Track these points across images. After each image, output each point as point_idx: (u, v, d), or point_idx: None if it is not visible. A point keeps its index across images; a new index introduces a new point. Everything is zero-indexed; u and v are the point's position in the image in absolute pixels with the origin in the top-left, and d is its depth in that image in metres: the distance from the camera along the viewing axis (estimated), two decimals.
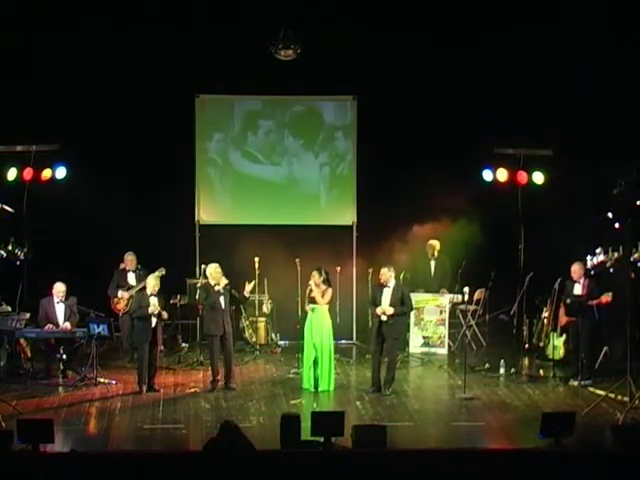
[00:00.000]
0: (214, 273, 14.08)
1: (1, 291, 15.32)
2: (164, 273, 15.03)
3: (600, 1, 15.44)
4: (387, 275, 13.95)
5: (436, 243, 16.73)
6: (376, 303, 13.97)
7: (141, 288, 14.69)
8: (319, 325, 14.03)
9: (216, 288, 14.01)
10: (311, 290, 14.03)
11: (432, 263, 16.76)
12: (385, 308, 13.82)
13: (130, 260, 15.69)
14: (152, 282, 14.07)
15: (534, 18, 15.88)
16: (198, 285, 15.38)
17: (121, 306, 15.52)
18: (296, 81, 16.70)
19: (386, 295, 13.91)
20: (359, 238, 17.41)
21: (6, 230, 14.67)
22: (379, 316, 13.85)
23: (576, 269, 14.60)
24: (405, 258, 16.30)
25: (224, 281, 14.09)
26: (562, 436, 10.91)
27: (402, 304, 13.91)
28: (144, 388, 13.80)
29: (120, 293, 15.53)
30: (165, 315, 14.01)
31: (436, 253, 16.73)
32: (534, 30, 15.90)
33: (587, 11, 15.38)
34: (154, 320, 13.87)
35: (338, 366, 15.28)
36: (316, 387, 13.96)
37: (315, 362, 13.99)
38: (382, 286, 14.00)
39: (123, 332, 15.58)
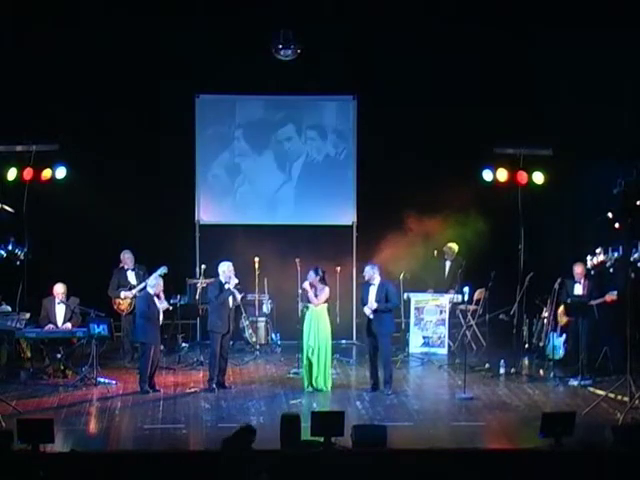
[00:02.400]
0: (227, 271, 14.09)
1: (1, 291, 15.31)
2: (166, 272, 15.04)
3: (600, 1, 15.44)
4: (370, 273, 14.03)
5: (455, 246, 16.68)
6: (364, 301, 14.04)
7: (143, 288, 14.69)
8: (315, 324, 14.02)
9: (226, 286, 14.03)
10: (305, 290, 14.05)
11: (447, 264, 16.75)
12: (371, 304, 13.85)
13: (128, 258, 15.67)
14: (153, 282, 14.09)
15: (533, 18, 15.89)
16: (200, 283, 15.38)
17: (124, 306, 15.49)
18: (296, 81, 16.69)
19: (372, 293, 13.98)
20: (359, 238, 17.41)
21: (6, 230, 14.65)
22: (367, 314, 13.93)
23: (578, 269, 14.60)
24: (405, 258, 16.28)
25: (234, 280, 14.11)
26: (562, 436, 10.91)
27: (387, 301, 13.93)
28: (147, 387, 13.80)
29: (123, 294, 15.50)
30: (167, 306, 14.11)
31: (454, 256, 16.70)
32: (534, 29, 15.91)
33: (587, 11, 15.40)
34: (161, 319, 13.92)
35: (338, 366, 15.29)
36: (313, 386, 13.97)
37: (311, 361, 13.99)
38: (367, 284, 14.07)
39: (124, 332, 15.57)
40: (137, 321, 14.08)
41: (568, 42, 15.59)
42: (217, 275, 14.24)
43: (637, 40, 15.02)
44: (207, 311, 14.56)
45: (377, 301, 13.89)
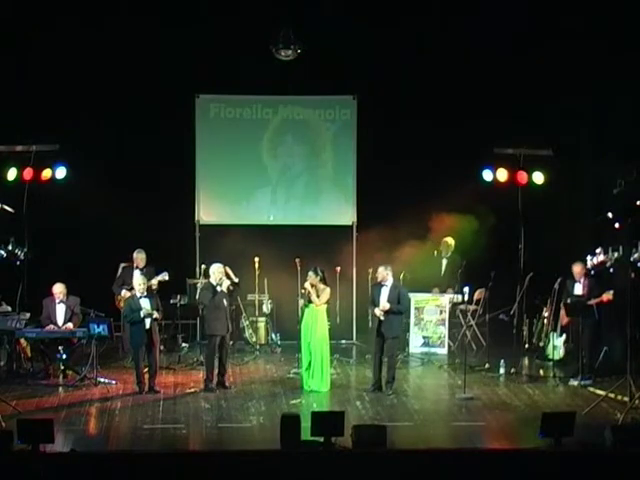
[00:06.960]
0: (217, 273, 14.09)
1: (1, 291, 15.31)
2: (167, 278, 15.01)
3: (600, 1, 15.45)
4: (383, 274, 14.00)
5: (451, 241, 16.70)
6: (375, 302, 13.99)
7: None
8: (312, 324, 14.01)
9: (218, 288, 14.00)
10: (307, 291, 14.02)
11: (444, 262, 16.77)
12: (382, 305, 13.82)
13: (140, 259, 15.48)
14: (137, 281, 14.05)
15: (533, 18, 15.89)
16: (200, 283, 15.38)
17: (123, 305, 15.49)
18: (296, 81, 16.69)
19: (384, 294, 13.95)
20: (359, 238, 17.41)
21: (6, 230, 14.66)
22: (378, 316, 13.88)
23: (577, 269, 14.61)
24: (405, 258, 16.28)
25: (226, 282, 14.09)
26: (562, 436, 10.90)
27: (399, 303, 13.92)
28: (143, 388, 13.78)
29: (123, 292, 15.49)
30: (156, 315, 13.88)
31: (450, 252, 16.71)
32: (534, 29, 15.91)
33: (588, 12, 15.40)
34: (147, 322, 13.83)
35: (338, 366, 15.29)
36: (309, 386, 13.96)
37: (309, 361, 13.99)
38: (380, 285, 14.03)
39: (125, 332, 15.54)
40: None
41: (568, 41, 15.61)
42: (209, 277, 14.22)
43: (637, 40, 15.05)
44: (204, 315, 14.45)
45: (389, 302, 13.85)
